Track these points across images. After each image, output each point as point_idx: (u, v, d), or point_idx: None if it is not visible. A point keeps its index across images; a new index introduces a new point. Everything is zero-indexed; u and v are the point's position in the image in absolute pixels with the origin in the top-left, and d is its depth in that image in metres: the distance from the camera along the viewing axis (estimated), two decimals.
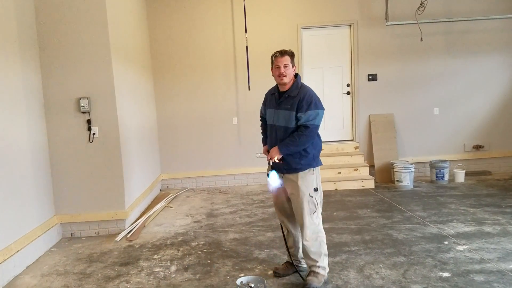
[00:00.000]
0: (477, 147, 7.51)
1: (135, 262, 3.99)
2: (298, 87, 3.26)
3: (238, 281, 2.27)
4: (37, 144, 4.53)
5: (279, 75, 3.25)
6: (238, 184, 7.43)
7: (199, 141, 7.39)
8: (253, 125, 7.34)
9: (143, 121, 6.39)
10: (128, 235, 4.80)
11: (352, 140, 7.59)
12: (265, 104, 3.53)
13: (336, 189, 6.73)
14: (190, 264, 3.87)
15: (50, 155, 4.80)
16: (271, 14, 7.25)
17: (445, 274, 3.38)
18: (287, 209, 3.47)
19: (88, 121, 4.82)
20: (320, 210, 3.31)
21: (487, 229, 4.46)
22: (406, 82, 7.40)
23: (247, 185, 7.40)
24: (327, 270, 3.36)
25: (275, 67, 3.29)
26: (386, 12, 7.07)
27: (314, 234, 3.26)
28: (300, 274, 3.42)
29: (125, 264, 3.98)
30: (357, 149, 7.42)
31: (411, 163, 6.89)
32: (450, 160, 7.15)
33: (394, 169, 6.81)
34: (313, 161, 3.28)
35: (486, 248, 3.90)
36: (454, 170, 7.02)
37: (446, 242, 4.11)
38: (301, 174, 3.24)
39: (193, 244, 4.42)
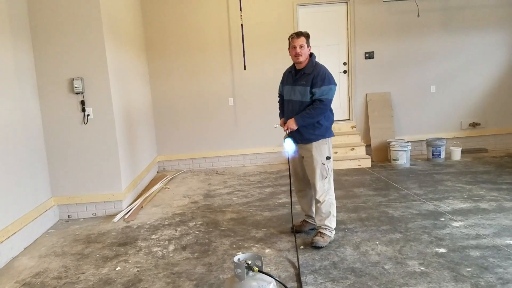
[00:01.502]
0: (474, 125, 7.51)
1: (133, 242, 4.01)
2: (313, 65, 3.60)
3: (235, 258, 2.28)
4: (31, 126, 4.49)
5: (295, 55, 3.58)
6: (235, 165, 7.43)
7: (195, 122, 7.35)
8: (249, 106, 7.30)
9: (138, 102, 6.34)
10: (126, 216, 4.81)
11: (349, 119, 7.56)
12: (283, 82, 3.88)
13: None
14: (188, 244, 3.88)
15: (45, 137, 4.77)
16: None
17: (441, 250, 3.40)
18: (300, 174, 3.86)
19: (82, 102, 4.78)
20: (331, 176, 3.68)
21: (483, 205, 4.49)
22: (403, 60, 7.34)
23: (243, 166, 7.40)
24: (334, 232, 3.72)
25: (291, 47, 3.61)
26: None
27: (324, 197, 3.62)
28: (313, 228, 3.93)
29: (123, 244, 3.99)
30: (354, 129, 7.40)
31: (408, 142, 6.89)
32: (446, 138, 7.16)
33: (391, 148, 6.81)
34: (326, 132, 3.64)
35: (482, 224, 3.93)
36: (451, 148, 7.03)
37: (442, 219, 4.14)
38: (314, 144, 3.61)
39: (191, 224, 4.43)
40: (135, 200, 5.40)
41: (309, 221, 3.99)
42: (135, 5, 6.67)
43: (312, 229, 3.96)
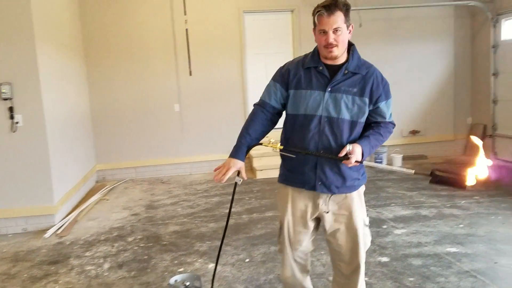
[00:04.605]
0: (414, 132, 7.77)
1: (65, 260, 3.72)
2: (361, 60, 2.22)
3: (172, 280, 2.12)
4: None
5: (326, 46, 2.09)
6: (181, 173, 7.20)
7: (138, 129, 7.06)
8: (196, 112, 7.13)
9: (75, 108, 5.98)
10: (58, 231, 4.48)
11: None
12: (287, 83, 2.23)
13: None
14: (125, 261, 3.65)
15: None
16: None
17: (384, 259, 3.41)
18: (307, 247, 2.38)
19: (11, 109, 4.42)
20: None
21: (424, 212, 4.59)
22: None
23: (190, 174, 7.19)
24: None
25: (319, 31, 2.10)
26: None
27: (363, 283, 2.34)
28: None
29: (53, 262, 3.69)
30: None
31: None
32: (388, 145, 7.34)
33: None
34: (365, 172, 2.34)
35: (423, 232, 4.00)
36: (392, 154, 7.22)
37: (385, 226, 4.18)
38: (355, 194, 2.25)
39: (130, 239, 4.19)
40: (69, 213, 5.06)
41: None
42: (72, 8, 6.31)
43: None
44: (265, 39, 7.28)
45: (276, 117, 2.32)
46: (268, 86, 2.31)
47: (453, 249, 3.55)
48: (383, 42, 7.47)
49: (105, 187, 6.34)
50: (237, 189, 2.25)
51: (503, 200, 4.85)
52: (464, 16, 7.67)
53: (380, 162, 7.03)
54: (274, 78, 2.30)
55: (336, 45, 2.06)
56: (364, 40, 7.40)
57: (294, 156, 2.17)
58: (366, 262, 3.30)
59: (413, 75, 7.63)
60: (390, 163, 7.20)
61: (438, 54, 7.68)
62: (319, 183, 2.15)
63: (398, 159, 7.15)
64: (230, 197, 5.40)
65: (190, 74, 6.94)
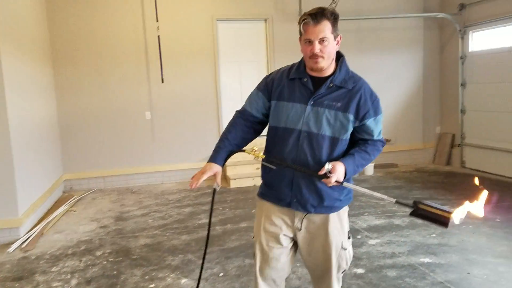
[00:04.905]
0: (385, 141, 7.88)
1: (30, 276, 3.54)
2: (349, 73, 2.08)
3: None
4: None
5: (312, 56, 1.96)
6: (153, 182, 7.04)
7: (108, 137, 6.86)
8: (168, 120, 7.00)
9: (41, 116, 5.75)
10: (23, 245, 4.27)
11: None
12: (270, 92, 2.12)
13: (254, 185, 6.62)
14: (93, 277, 3.49)
15: None
16: (185, 3, 6.93)
17: (360, 271, 3.40)
18: (286, 266, 2.19)
19: None
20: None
21: (396, 221, 4.63)
22: None
23: (162, 183, 7.04)
24: None
25: (304, 41, 1.98)
26: (300, 7, 7.08)
27: None
28: None
29: (17, 279, 3.50)
30: None
31: None
32: None
33: None
34: (350, 193, 2.17)
35: (397, 241, 4.02)
36: None
37: (359, 236, 4.18)
38: (334, 216, 2.11)
39: (98, 253, 4.02)
40: (35, 226, 4.83)
41: None
42: (39, 14, 6.09)
43: None
44: (239, 47, 7.24)
45: (258, 126, 2.21)
46: (251, 95, 2.21)
47: (426, 259, 3.58)
48: (354, 53, 7.54)
49: (73, 198, 6.11)
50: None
51: None
52: (433, 28, 7.87)
53: None
54: (258, 87, 2.19)
55: (322, 56, 1.94)
56: None
57: (274, 167, 2.06)
58: None
59: (384, 85, 7.73)
60: (362, 171, 7.26)
61: (407, 64, 7.84)
62: (294, 200, 2.05)
63: (370, 167, 7.23)
64: (203, 208, 5.35)
65: (162, 81, 6.81)
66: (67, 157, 6.75)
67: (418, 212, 1.85)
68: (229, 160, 2.16)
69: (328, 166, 1.89)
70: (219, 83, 7.13)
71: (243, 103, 2.23)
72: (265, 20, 7.26)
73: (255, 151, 2.08)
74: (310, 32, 1.92)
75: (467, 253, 3.71)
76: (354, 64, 7.95)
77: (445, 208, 1.80)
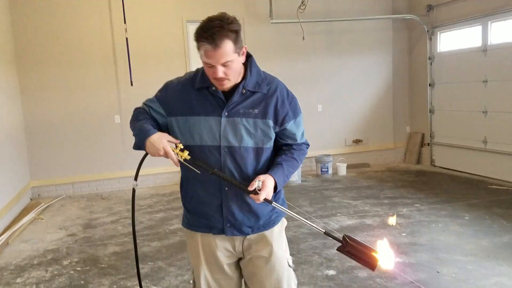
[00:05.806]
0: (357, 141, 7.96)
1: None
2: (261, 74, 1.90)
3: None
4: None
5: (217, 80, 1.74)
6: (123, 188, 6.89)
7: (76, 142, 6.67)
8: None
9: (6, 122, 5.55)
10: None
11: None
12: (168, 104, 1.87)
13: None
14: (59, 287, 3.38)
15: None
16: (154, 4, 6.82)
17: (331, 272, 3.40)
18: None
19: None
20: None
21: (368, 221, 4.67)
22: (292, 80, 7.37)
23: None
24: None
25: (205, 65, 1.73)
26: (270, 9, 7.08)
27: None
28: None
29: None
30: None
31: None
32: (333, 155, 7.46)
33: None
34: (284, 203, 2.02)
35: (368, 241, 3.99)
36: (337, 163, 7.35)
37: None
38: (275, 230, 1.95)
39: (65, 263, 3.89)
40: (0, 235, 4.65)
41: None
42: (2, 16, 5.86)
43: None
44: None
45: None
46: (149, 100, 1.93)
47: (397, 259, 3.61)
48: (324, 54, 7.61)
49: (40, 205, 5.92)
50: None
51: (442, 208, 5.04)
52: (401, 29, 8.01)
53: (326, 171, 7.12)
54: (157, 96, 1.91)
55: (228, 79, 1.73)
56: (308, 52, 7.52)
57: (199, 172, 1.80)
58: (313, 277, 3.29)
59: (354, 86, 7.82)
60: (335, 171, 7.30)
61: (377, 65, 7.94)
62: (228, 225, 1.83)
63: (343, 168, 7.28)
64: (175, 213, 5.25)
65: (132, 84, 6.67)
66: (34, 163, 6.54)
67: (346, 249, 1.74)
68: None
69: (258, 184, 1.71)
70: None
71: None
72: None
73: (179, 150, 1.79)
74: (209, 56, 1.67)
75: (437, 252, 3.76)
76: (325, 66, 7.98)
77: (372, 248, 1.71)
